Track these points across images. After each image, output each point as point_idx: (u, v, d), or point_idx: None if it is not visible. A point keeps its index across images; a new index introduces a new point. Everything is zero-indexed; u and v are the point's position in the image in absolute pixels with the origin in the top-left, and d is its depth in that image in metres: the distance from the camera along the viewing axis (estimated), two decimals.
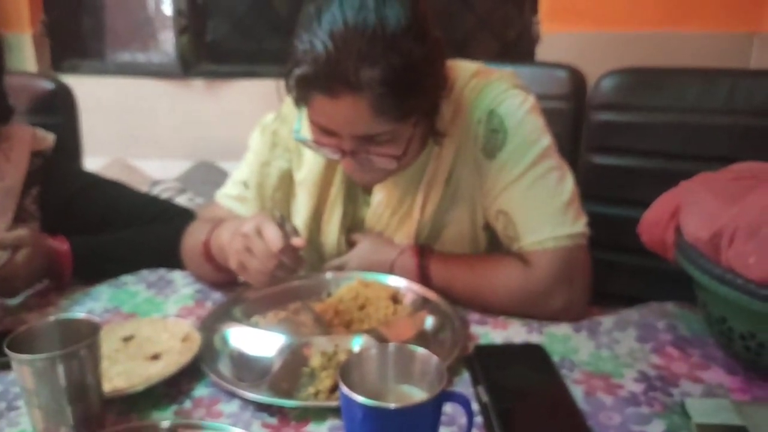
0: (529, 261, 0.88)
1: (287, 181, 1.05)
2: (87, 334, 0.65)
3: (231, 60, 1.96)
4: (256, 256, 0.80)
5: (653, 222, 0.86)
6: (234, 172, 1.10)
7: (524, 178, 0.90)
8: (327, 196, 1.02)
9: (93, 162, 1.54)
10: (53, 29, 2.04)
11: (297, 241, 0.81)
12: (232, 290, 1.01)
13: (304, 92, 0.83)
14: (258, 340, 0.83)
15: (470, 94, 0.94)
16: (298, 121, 0.91)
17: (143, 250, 1.13)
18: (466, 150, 0.95)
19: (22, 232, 0.98)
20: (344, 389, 0.54)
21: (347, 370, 0.58)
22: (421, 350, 0.60)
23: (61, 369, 0.62)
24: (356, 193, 1.04)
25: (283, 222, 0.83)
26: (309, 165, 1.02)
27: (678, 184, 0.86)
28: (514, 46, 2.27)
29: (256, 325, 0.88)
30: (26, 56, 1.99)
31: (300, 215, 1.04)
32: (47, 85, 1.37)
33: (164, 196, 2.03)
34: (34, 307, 0.97)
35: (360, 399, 0.53)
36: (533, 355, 0.77)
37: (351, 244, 1.03)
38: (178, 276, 1.08)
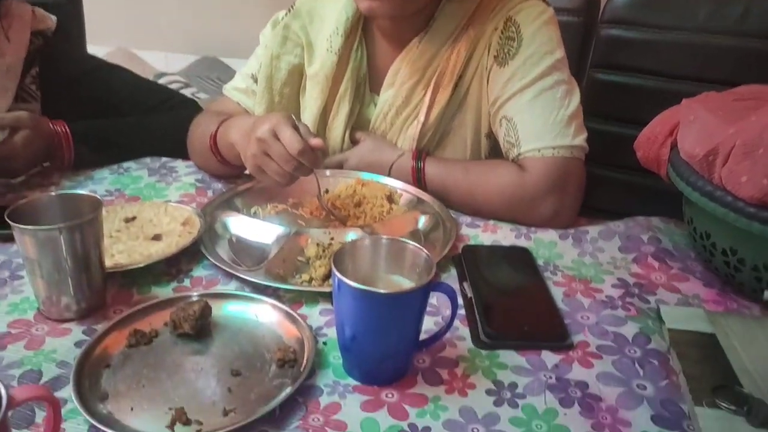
0: (525, 167, 0.90)
1: (296, 76, 1.06)
2: (89, 210, 0.67)
3: None
4: (275, 158, 0.81)
5: (650, 138, 0.86)
6: (243, 66, 1.09)
7: (533, 87, 0.90)
8: (336, 92, 1.03)
9: (96, 50, 1.51)
10: None
11: (315, 142, 0.81)
12: (232, 182, 1.03)
13: None
14: (256, 229, 0.86)
15: None
16: None
17: (145, 137, 1.14)
18: (478, 55, 0.95)
19: (21, 113, 0.98)
20: (337, 274, 0.57)
21: (341, 257, 0.60)
22: (412, 243, 0.63)
23: (63, 240, 0.64)
24: (364, 91, 1.05)
25: (297, 122, 0.83)
26: (321, 60, 1.02)
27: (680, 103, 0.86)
28: None
29: (255, 215, 0.91)
30: None
31: (309, 110, 1.05)
32: None
33: None
34: (36, 186, 1.00)
35: (352, 283, 0.56)
36: (519, 257, 0.80)
37: (354, 142, 1.04)
38: (180, 164, 1.09)
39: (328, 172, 1.01)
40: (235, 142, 0.91)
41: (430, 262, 0.60)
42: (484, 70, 0.95)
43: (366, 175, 0.98)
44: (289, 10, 1.06)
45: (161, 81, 2.02)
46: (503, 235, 0.87)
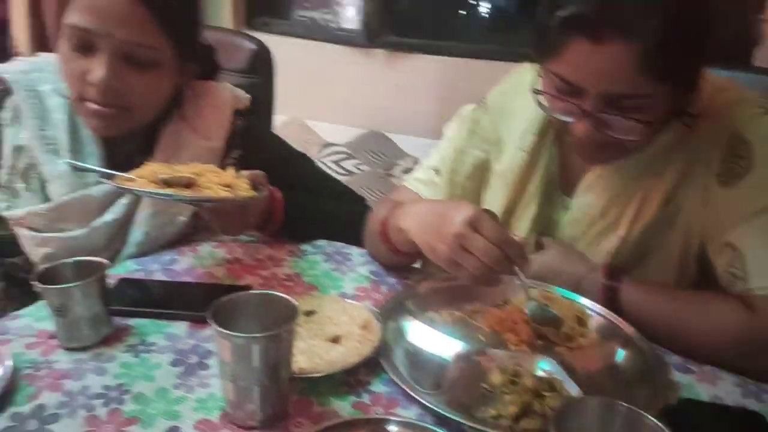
0: (756, 307, 0.77)
1: (481, 171, 1.03)
2: (285, 313, 0.66)
3: (413, 32, 1.93)
4: (475, 252, 0.75)
5: None
6: (425, 159, 1.09)
7: (766, 213, 0.78)
8: (523, 192, 0.98)
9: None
10: None
11: (517, 238, 0.76)
12: (405, 275, 1.00)
13: (562, 38, 0.77)
14: (433, 340, 0.81)
15: (712, 111, 0.84)
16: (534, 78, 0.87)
17: (328, 222, 1.14)
18: (695, 172, 0.85)
19: (264, 173, 1.00)
20: None
21: (562, 419, 0.53)
22: (653, 420, 0.53)
23: (258, 349, 0.63)
24: (554, 193, 0.98)
25: (494, 215, 0.79)
26: (510, 157, 0.98)
27: None
28: (729, 46, 2.01)
29: (431, 322, 0.87)
30: (223, 9, 2.10)
31: (492, 208, 1.00)
32: (248, 43, 1.40)
33: (333, 159, 2.08)
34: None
35: None
36: (751, 427, 0.67)
37: (539, 248, 0.98)
38: (354, 252, 1.09)
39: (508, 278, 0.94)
40: (407, 229, 0.87)
41: None
42: (701, 189, 0.85)
43: (554, 289, 0.90)
44: (479, 105, 1.04)
45: (327, 151, 2.10)
46: (725, 389, 0.74)
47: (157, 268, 0.99)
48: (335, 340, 0.80)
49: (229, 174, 0.93)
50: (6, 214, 1.02)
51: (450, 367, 0.76)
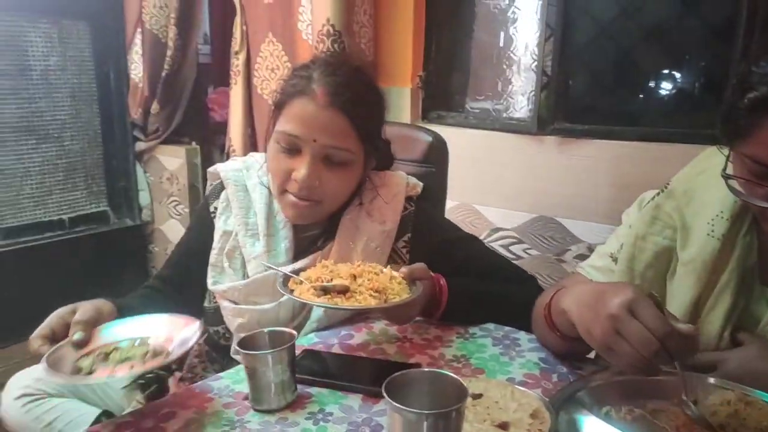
0: None
1: (663, 259, 0.97)
2: (454, 394, 0.68)
3: (587, 118, 1.92)
4: (629, 340, 0.72)
5: None
6: (601, 246, 1.06)
7: None
8: (716, 281, 0.90)
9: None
10: (427, 83, 2.29)
11: (686, 328, 0.71)
12: (578, 365, 0.97)
13: (754, 119, 0.74)
14: None
15: None
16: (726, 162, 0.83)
17: (494, 308, 1.15)
18: None
19: (422, 266, 1.06)
20: None
21: None
22: None
23: (428, 426, 0.64)
24: (752, 284, 0.90)
25: (658, 301, 0.74)
26: (699, 244, 0.92)
27: None
28: None
29: (607, 418, 0.82)
30: (403, 108, 2.28)
31: (678, 299, 0.94)
32: (424, 136, 1.51)
33: (501, 243, 2.09)
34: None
35: None
36: None
37: (736, 344, 0.89)
38: (523, 337, 1.07)
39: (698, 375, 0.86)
40: (567, 309, 0.84)
41: None
42: None
43: (753, 392, 0.81)
44: (662, 191, 0.99)
45: (495, 236, 2.11)
46: None
47: (335, 342, 1.07)
48: (503, 426, 0.79)
49: (386, 276, 1.02)
50: (213, 288, 1.18)
51: None
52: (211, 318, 1.20)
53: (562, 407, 0.82)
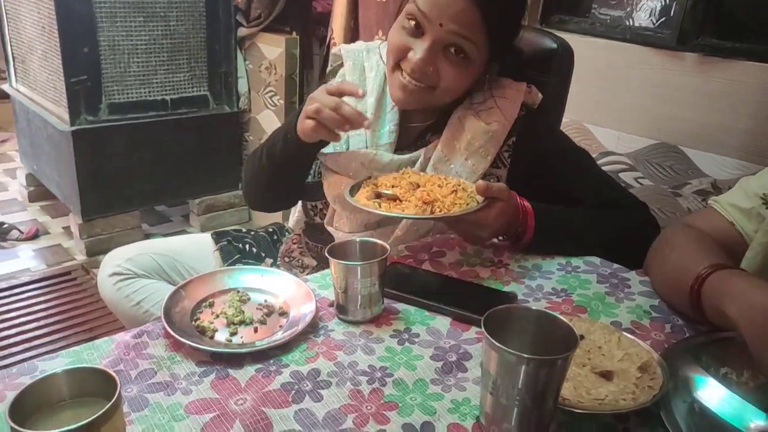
0: None
1: None
2: (561, 338, 0.61)
3: (739, 35, 1.65)
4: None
5: None
6: (747, 181, 0.91)
7: None
8: None
9: None
10: None
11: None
12: (697, 326, 0.85)
13: None
14: (728, 403, 0.68)
15: None
16: None
17: (595, 234, 1.06)
18: None
19: (503, 186, 1.00)
20: None
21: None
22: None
23: (528, 370, 0.58)
24: None
25: None
26: None
27: None
28: None
29: (727, 382, 0.72)
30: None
31: None
32: (549, 42, 1.35)
33: (610, 169, 1.92)
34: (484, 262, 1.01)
35: None
36: None
37: None
38: (634, 278, 0.97)
39: None
40: (734, 320, 0.70)
41: None
42: None
43: None
44: None
45: (604, 160, 1.94)
46: None
47: (425, 258, 1.02)
48: (606, 375, 0.72)
49: (448, 187, 0.99)
50: (325, 149, 1.16)
51: None
52: (311, 191, 1.21)
53: (676, 364, 0.73)
